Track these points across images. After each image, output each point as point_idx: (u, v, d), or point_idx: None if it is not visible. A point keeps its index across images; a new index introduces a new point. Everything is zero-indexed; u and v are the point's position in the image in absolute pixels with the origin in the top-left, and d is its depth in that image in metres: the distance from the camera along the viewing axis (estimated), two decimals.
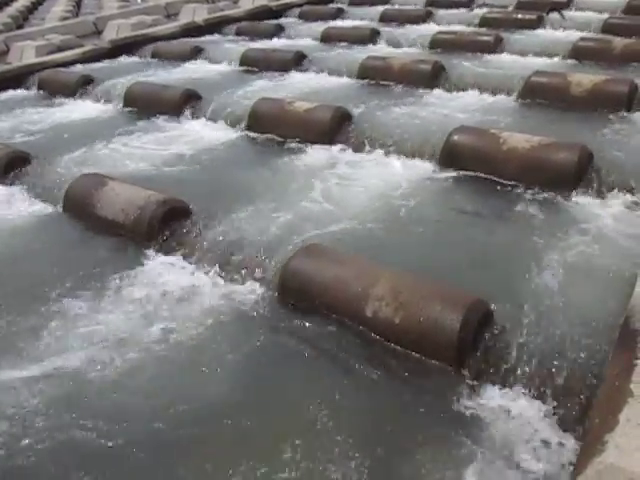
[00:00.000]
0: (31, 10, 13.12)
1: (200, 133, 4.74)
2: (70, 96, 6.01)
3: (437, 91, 5.18)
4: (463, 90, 5.17)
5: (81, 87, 6.07)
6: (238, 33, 8.31)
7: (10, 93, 6.42)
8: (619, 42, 5.71)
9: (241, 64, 6.64)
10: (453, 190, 3.53)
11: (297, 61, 6.30)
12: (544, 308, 2.35)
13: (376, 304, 2.33)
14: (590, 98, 4.45)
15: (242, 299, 2.66)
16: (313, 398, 2.11)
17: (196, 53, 7.15)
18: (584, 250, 2.77)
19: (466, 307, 2.20)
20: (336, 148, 4.17)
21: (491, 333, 2.23)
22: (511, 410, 1.99)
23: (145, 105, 5.39)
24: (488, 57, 6.10)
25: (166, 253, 3.05)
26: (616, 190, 3.26)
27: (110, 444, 1.94)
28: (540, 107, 4.65)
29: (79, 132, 4.93)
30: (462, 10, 8.29)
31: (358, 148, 4.13)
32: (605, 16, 7.05)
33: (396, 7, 8.80)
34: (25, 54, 7.69)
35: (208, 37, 8.29)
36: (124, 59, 7.43)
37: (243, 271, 2.81)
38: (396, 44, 6.98)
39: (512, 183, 3.45)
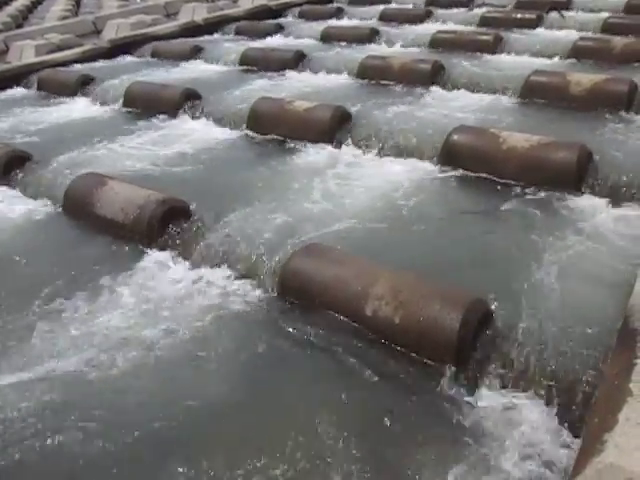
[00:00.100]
0: (30, 9, 13.11)
1: (200, 132, 4.74)
2: (69, 95, 6.00)
3: (437, 90, 5.19)
4: (463, 89, 5.17)
5: (80, 86, 6.07)
6: (238, 32, 8.32)
7: (9, 92, 6.41)
8: (619, 42, 5.71)
9: (241, 63, 6.64)
10: (453, 189, 3.53)
11: (297, 60, 6.30)
12: (544, 307, 2.35)
13: (376, 303, 2.33)
14: (590, 97, 4.45)
15: (242, 298, 2.65)
16: (313, 398, 2.11)
17: (196, 52, 7.15)
18: (583, 249, 2.77)
19: (466, 306, 2.20)
20: (336, 147, 4.17)
21: (491, 332, 2.23)
22: (510, 409, 1.99)
23: (145, 104, 5.39)
24: (488, 56, 6.11)
25: (166, 252, 3.05)
26: (615, 189, 3.26)
27: (110, 444, 1.94)
28: (539, 106, 4.65)
29: (79, 131, 4.93)
30: (462, 9, 8.30)
31: (358, 147, 4.13)
32: (605, 15, 7.05)
33: (396, 6, 8.81)
34: (24, 53, 7.69)
35: (208, 36, 8.29)
36: (123, 58, 7.43)
37: (243, 270, 2.81)
38: (396, 43, 6.98)
39: (511, 182, 3.45)
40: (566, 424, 1.92)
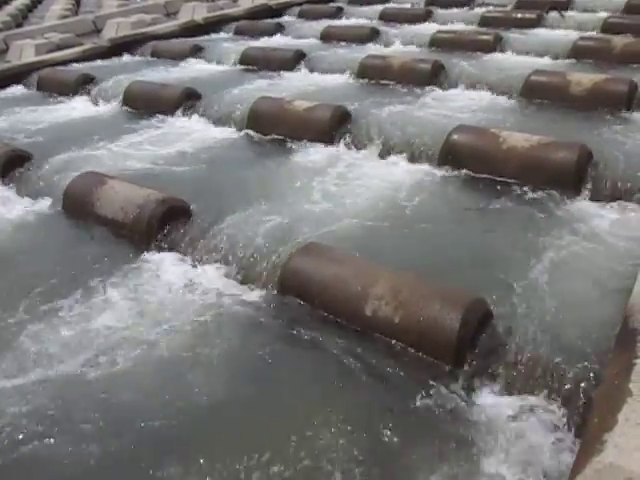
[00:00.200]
0: (30, 8, 13.10)
1: (199, 132, 4.74)
2: (69, 95, 6.00)
3: (437, 90, 5.18)
4: (463, 89, 5.17)
5: (80, 86, 6.06)
6: (238, 32, 8.31)
7: (9, 92, 6.41)
8: (619, 41, 5.71)
9: (241, 63, 6.64)
10: (453, 189, 3.53)
11: (297, 60, 6.30)
12: (543, 307, 2.35)
13: (376, 303, 2.33)
14: (590, 97, 4.45)
15: (242, 298, 2.65)
16: (313, 397, 2.11)
17: (195, 52, 7.15)
18: (582, 250, 2.77)
19: (465, 306, 2.20)
20: (336, 147, 4.17)
21: (490, 332, 2.23)
22: (510, 409, 1.99)
23: (144, 104, 5.39)
24: (488, 56, 6.11)
25: (165, 252, 3.05)
26: (616, 189, 3.26)
27: (109, 445, 1.94)
28: (539, 106, 4.65)
29: (78, 130, 4.92)
30: (462, 9, 8.30)
31: (358, 147, 4.13)
32: (605, 15, 7.05)
33: (396, 6, 8.80)
34: (24, 53, 7.69)
35: (207, 36, 8.29)
36: (123, 58, 7.43)
37: (242, 270, 2.81)
38: (395, 43, 6.97)
39: (511, 182, 3.45)
40: (566, 424, 1.92)
